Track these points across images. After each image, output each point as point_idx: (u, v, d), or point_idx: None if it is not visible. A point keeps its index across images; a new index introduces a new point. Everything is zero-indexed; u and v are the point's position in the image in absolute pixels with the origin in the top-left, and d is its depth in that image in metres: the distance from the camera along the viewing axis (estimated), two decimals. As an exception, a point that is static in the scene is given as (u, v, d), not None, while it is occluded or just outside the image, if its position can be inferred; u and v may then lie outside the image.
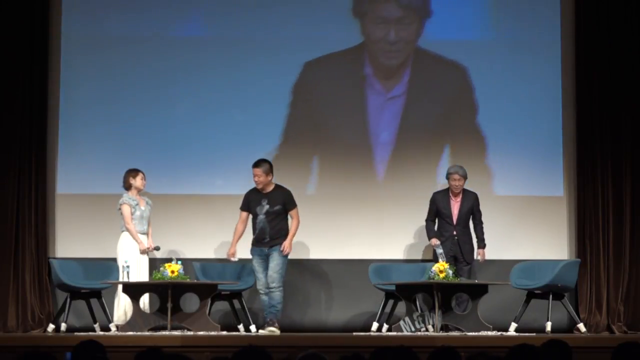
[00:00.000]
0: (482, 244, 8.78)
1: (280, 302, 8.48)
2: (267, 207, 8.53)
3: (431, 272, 8.06)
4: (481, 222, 8.81)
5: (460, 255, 8.65)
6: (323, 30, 9.57)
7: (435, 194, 8.84)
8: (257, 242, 8.54)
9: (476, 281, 8.45)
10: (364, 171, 9.51)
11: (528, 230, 9.50)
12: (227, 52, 9.56)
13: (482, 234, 8.79)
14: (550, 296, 8.52)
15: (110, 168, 9.16)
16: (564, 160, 9.58)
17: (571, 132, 9.56)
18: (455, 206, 8.73)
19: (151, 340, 7.17)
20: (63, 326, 8.55)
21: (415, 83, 9.58)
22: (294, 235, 8.58)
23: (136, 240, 8.61)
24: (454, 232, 8.67)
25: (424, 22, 9.66)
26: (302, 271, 9.47)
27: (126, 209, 8.64)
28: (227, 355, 4.09)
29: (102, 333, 8.25)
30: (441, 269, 7.98)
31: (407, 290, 8.20)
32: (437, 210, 8.75)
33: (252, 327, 8.65)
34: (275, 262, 8.49)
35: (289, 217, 8.62)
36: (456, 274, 8.14)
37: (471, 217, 8.79)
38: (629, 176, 9.39)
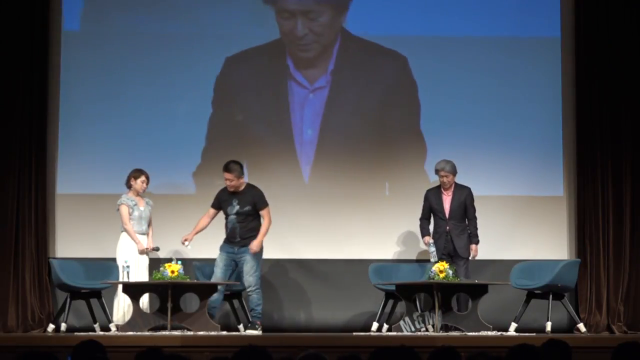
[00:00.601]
0: (475, 240, 8.69)
1: (260, 303, 8.47)
2: (237, 207, 8.53)
3: (431, 272, 8.06)
4: (474, 217, 8.71)
5: (454, 251, 8.57)
6: (243, 25, 9.57)
7: (428, 191, 8.81)
8: (227, 241, 8.55)
9: (476, 281, 8.44)
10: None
11: (528, 230, 9.50)
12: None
13: (476, 229, 8.71)
14: (550, 296, 8.52)
15: (110, 168, 9.17)
16: (564, 160, 9.58)
17: (571, 132, 9.56)
18: (446, 201, 8.67)
19: (151, 340, 7.17)
20: (63, 326, 8.55)
21: (341, 73, 9.56)
22: (264, 235, 8.54)
23: (134, 241, 8.61)
24: (447, 228, 8.61)
25: (342, 11, 9.61)
26: (302, 271, 9.47)
27: (124, 210, 8.63)
28: (227, 355, 4.09)
29: (102, 333, 8.25)
30: (441, 269, 7.98)
31: (407, 290, 8.20)
32: (430, 206, 8.72)
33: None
34: (249, 264, 8.45)
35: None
36: (456, 273, 8.13)
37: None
38: (629, 176, 9.39)
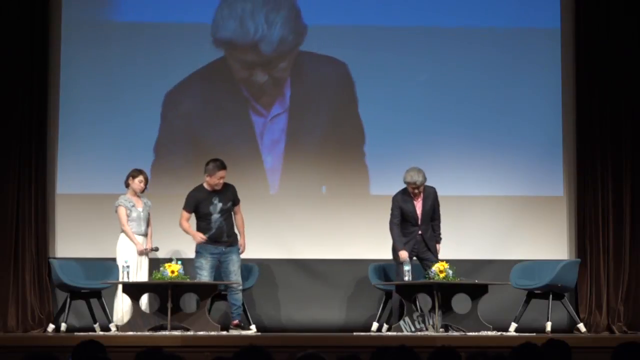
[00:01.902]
0: (439, 239, 8.53)
1: (242, 300, 8.52)
2: (220, 205, 8.48)
3: (431, 272, 8.06)
4: (439, 217, 8.55)
5: (426, 253, 8.41)
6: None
7: (397, 195, 8.49)
8: (215, 242, 8.45)
9: (476, 281, 8.44)
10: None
11: (528, 230, 9.50)
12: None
13: (439, 229, 8.56)
14: (550, 296, 8.53)
15: (110, 168, 9.17)
16: (564, 160, 9.59)
17: (571, 132, 9.57)
18: (418, 206, 8.45)
19: (151, 340, 7.17)
20: (63, 326, 8.56)
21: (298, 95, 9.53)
22: (244, 232, 8.59)
23: (133, 242, 8.60)
24: (419, 231, 8.46)
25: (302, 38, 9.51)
26: (302, 271, 9.47)
27: (121, 211, 8.63)
28: (227, 355, 4.08)
29: (102, 333, 8.25)
30: (441, 269, 7.98)
31: (407, 290, 8.19)
32: (401, 211, 8.44)
33: (253, 327, 8.64)
34: (237, 264, 8.46)
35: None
36: (428, 274, 8.11)
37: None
38: (629, 176, 9.39)
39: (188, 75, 9.49)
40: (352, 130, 9.55)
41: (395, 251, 8.42)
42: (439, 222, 8.58)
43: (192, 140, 9.40)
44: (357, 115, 9.57)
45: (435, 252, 8.45)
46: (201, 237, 8.39)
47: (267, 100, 9.52)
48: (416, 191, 8.39)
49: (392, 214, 8.45)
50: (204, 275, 8.39)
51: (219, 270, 8.54)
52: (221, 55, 9.54)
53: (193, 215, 8.54)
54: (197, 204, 8.47)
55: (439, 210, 8.57)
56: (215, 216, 8.45)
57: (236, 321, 8.45)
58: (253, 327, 8.65)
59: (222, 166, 8.47)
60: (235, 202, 8.58)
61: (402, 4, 9.65)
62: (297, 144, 9.52)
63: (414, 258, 8.35)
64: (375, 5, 9.63)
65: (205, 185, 8.52)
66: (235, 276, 8.45)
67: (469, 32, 9.62)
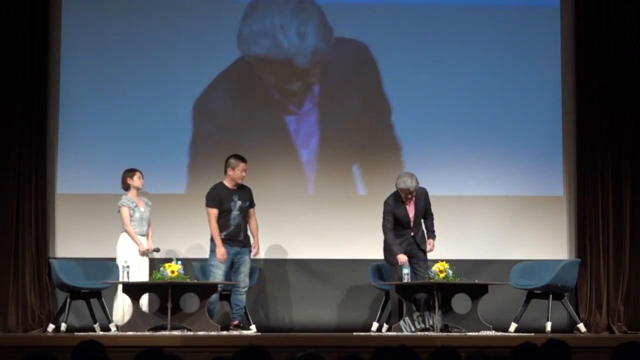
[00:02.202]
0: (432, 235, 8.51)
1: (245, 302, 8.53)
2: (239, 203, 8.49)
3: (431, 272, 8.06)
4: (432, 215, 8.54)
5: (418, 252, 8.41)
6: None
7: (389, 199, 8.44)
8: (229, 240, 8.44)
9: (476, 281, 8.44)
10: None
11: (528, 230, 9.50)
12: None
13: (433, 225, 8.54)
14: (550, 296, 8.53)
15: (110, 168, 9.16)
16: (564, 160, 9.59)
17: (571, 132, 9.57)
18: (410, 210, 8.43)
19: (151, 340, 7.16)
20: (63, 326, 8.55)
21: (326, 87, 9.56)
22: (258, 235, 8.63)
23: (135, 242, 8.61)
24: (411, 233, 8.45)
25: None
26: (302, 271, 9.47)
27: (125, 212, 8.63)
28: (227, 355, 4.08)
29: (102, 333, 8.25)
30: (441, 269, 7.98)
31: (407, 290, 8.19)
32: (394, 217, 8.40)
33: (253, 327, 8.64)
34: (248, 265, 8.50)
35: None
36: (417, 271, 8.17)
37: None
38: (629, 176, 9.39)
39: (214, 79, 9.51)
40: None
41: (387, 252, 8.43)
42: (432, 219, 8.57)
43: (227, 147, 9.29)
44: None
45: (423, 247, 8.44)
46: (222, 254, 8.37)
47: (297, 100, 9.56)
48: (409, 196, 8.37)
49: (384, 219, 8.43)
50: (219, 275, 8.39)
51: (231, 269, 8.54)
52: (237, 57, 9.55)
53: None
54: (221, 200, 8.46)
55: (430, 210, 8.56)
56: (235, 213, 8.46)
57: (236, 322, 8.45)
58: (253, 327, 8.65)
59: (244, 159, 8.52)
60: (252, 204, 8.60)
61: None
62: (330, 134, 9.56)
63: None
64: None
65: (225, 182, 8.53)
66: (244, 277, 8.46)
67: (473, 36, 9.61)
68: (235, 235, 8.46)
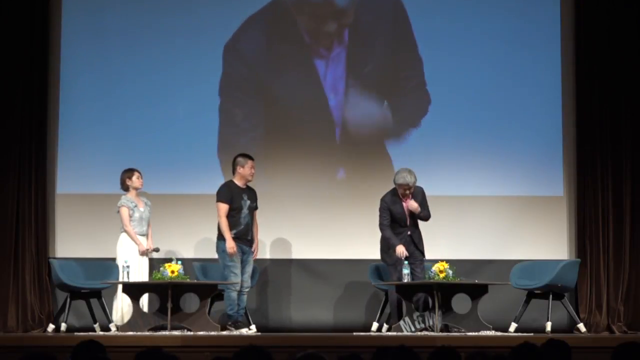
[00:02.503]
0: (424, 213, 8.42)
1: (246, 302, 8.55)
2: (248, 202, 8.50)
3: (431, 272, 8.06)
4: (429, 213, 8.46)
5: (415, 252, 8.37)
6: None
7: (386, 197, 8.42)
8: (239, 239, 8.43)
9: (476, 281, 8.44)
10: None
11: (528, 230, 9.50)
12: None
13: (426, 217, 8.47)
14: (550, 296, 8.53)
15: (110, 168, 9.15)
16: (564, 160, 9.59)
17: (571, 132, 9.57)
18: (406, 208, 8.41)
19: (151, 340, 7.17)
20: (63, 326, 8.56)
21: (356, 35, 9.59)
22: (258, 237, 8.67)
23: (135, 242, 8.61)
24: (408, 232, 8.43)
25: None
26: (302, 271, 9.47)
27: (124, 212, 8.63)
28: (227, 355, 4.08)
29: (102, 333, 8.25)
30: (441, 269, 7.98)
31: (407, 290, 8.19)
32: (390, 213, 8.38)
33: (253, 327, 8.64)
34: (251, 266, 8.51)
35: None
36: (414, 271, 8.18)
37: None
38: (629, 176, 9.39)
39: (245, 19, 9.55)
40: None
41: (385, 252, 8.42)
42: (427, 211, 8.46)
43: (256, 91, 9.49)
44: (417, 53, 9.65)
45: (420, 247, 8.41)
46: (232, 247, 8.33)
47: (327, 42, 9.59)
48: (407, 192, 8.34)
49: (381, 216, 8.40)
50: (239, 274, 8.37)
51: None
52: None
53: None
54: (232, 198, 8.45)
55: (427, 209, 8.48)
56: (245, 211, 8.47)
57: (239, 321, 8.42)
58: (253, 327, 8.64)
59: (250, 157, 8.54)
60: (256, 206, 8.62)
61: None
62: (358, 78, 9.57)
63: (405, 262, 8.30)
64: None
65: (235, 180, 8.53)
66: (247, 278, 8.47)
67: (473, 36, 9.60)
68: (245, 234, 8.46)
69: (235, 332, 8.23)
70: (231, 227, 8.39)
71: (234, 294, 8.34)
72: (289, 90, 9.51)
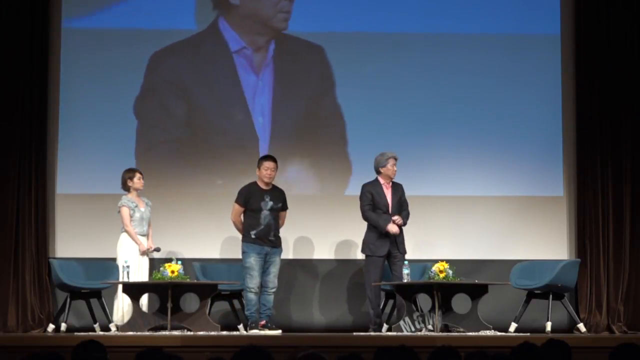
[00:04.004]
0: (403, 215, 8.50)
1: (272, 302, 8.54)
2: (271, 203, 8.50)
3: (431, 272, 8.06)
4: (407, 210, 8.57)
5: (394, 247, 8.44)
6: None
7: (365, 185, 8.55)
8: (259, 240, 8.45)
9: (476, 281, 8.44)
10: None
11: (528, 230, 9.51)
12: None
13: (407, 218, 8.54)
14: (550, 296, 8.53)
15: (110, 168, 9.15)
16: (564, 160, 9.59)
17: (571, 132, 9.57)
18: (388, 194, 8.51)
19: (151, 340, 7.16)
20: (63, 326, 8.56)
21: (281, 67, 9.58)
22: None
23: (135, 242, 8.61)
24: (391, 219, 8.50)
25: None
26: (302, 271, 9.48)
27: (125, 212, 8.63)
28: (227, 356, 4.08)
29: (102, 333, 8.25)
30: (441, 269, 7.99)
31: (407, 290, 8.19)
32: (373, 198, 8.48)
33: (278, 332, 8.58)
34: (277, 266, 8.51)
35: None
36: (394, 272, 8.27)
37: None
38: (629, 176, 9.40)
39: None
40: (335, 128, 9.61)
41: (367, 244, 8.46)
42: (407, 212, 8.57)
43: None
44: (341, 116, 9.62)
45: (400, 247, 8.44)
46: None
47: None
48: (395, 168, 8.46)
49: (362, 201, 8.49)
50: (255, 276, 8.37)
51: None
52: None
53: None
54: (248, 198, 8.47)
55: (406, 206, 8.59)
56: (265, 212, 8.46)
57: (263, 322, 8.41)
58: (279, 331, 8.57)
59: (268, 157, 8.57)
60: (284, 206, 8.62)
61: (405, 11, 9.64)
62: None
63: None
64: (377, 12, 9.62)
65: (258, 182, 8.55)
66: (273, 278, 8.47)
67: (473, 38, 9.60)
68: (266, 235, 8.45)
69: (261, 332, 8.23)
70: (251, 227, 8.44)
71: (251, 295, 8.36)
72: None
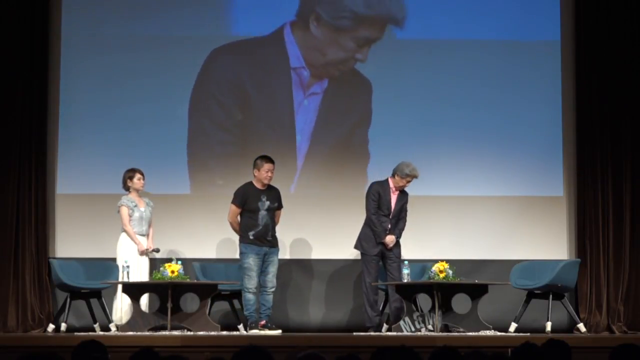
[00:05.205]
0: (397, 233, 8.55)
1: (272, 302, 8.53)
2: (267, 203, 8.51)
3: (431, 272, 8.07)
4: (405, 220, 8.63)
5: (391, 253, 8.49)
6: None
7: (375, 184, 8.62)
8: (257, 240, 8.46)
9: (476, 281, 8.44)
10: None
11: (528, 230, 9.51)
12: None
13: (402, 230, 8.60)
14: (550, 296, 8.53)
15: (110, 168, 9.16)
16: (564, 160, 9.59)
17: (571, 132, 9.57)
18: (394, 199, 8.57)
19: (151, 340, 7.17)
20: (63, 326, 8.56)
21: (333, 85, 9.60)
22: None
23: (134, 242, 8.60)
24: (389, 225, 8.54)
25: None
26: (302, 271, 9.47)
27: (124, 211, 8.63)
28: (227, 356, 4.08)
29: (102, 333, 8.25)
30: (441, 269, 7.99)
31: (407, 290, 8.19)
32: (379, 199, 8.54)
33: (278, 331, 8.57)
34: (275, 266, 8.51)
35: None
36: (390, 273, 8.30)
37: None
38: (629, 176, 9.40)
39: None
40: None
41: (360, 241, 8.54)
42: (404, 223, 8.63)
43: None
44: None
45: (395, 251, 8.50)
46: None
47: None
48: (407, 185, 8.53)
49: (369, 202, 8.55)
50: (254, 276, 8.37)
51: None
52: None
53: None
54: (245, 199, 8.48)
55: (406, 215, 8.64)
56: (263, 212, 8.47)
57: (263, 322, 8.40)
58: (279, 331, 8.57)
59: (269, 159, 8.54)
60: (280, 205, 8.62)
61: (408, 17, 9.64)
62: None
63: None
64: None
65: (254, 182, 8.55)
66: (272, 278, 8.47)
67: (474, 43, 9.61)
68: (264, 235, 8.46)
69: (261, 332, 8.22)
70: (249, 228, 8.44)
71: (250, 295, 8.37)
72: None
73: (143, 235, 8.70)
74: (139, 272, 8.56)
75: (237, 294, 8.78)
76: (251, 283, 8.36)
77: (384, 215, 8.52)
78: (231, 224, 8.59)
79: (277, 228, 8.67)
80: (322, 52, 9.57)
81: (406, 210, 8.66)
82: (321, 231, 9.46)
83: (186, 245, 9.33)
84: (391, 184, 8.59)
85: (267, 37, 9.58)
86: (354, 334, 8.41)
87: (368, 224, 8.56)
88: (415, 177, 8.52)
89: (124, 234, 8.65)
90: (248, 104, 9.53)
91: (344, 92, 9.58)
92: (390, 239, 8.47)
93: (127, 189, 8.74)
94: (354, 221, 8.92)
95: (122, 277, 8.25)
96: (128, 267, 8.22)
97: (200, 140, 9.51)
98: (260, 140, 9.43)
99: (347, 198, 9.41)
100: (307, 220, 9.46)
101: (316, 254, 9.48)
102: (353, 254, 9.32)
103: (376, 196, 8.54)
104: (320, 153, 9.53)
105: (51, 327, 8.76)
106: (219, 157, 9.48)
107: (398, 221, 8.59)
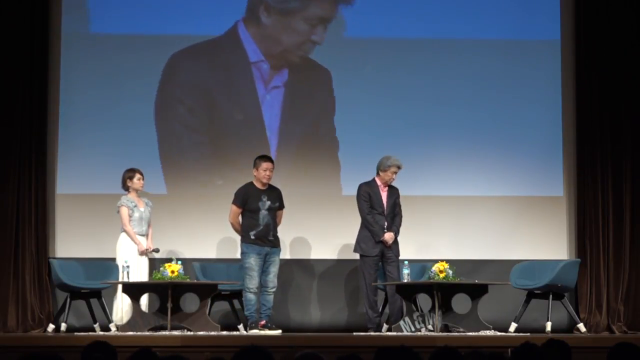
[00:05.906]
0: (394, 229, 8.56)
1: (272, 302, 8.53)
2: (268, 203, 8.51)
3: (431, 272, 8.07)
4: (401, 214, 8.64)
5: (388, 251, 8.49)
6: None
7: (363, 185, 8.61)
8: (258, 240, 8.46)
9: (476, 281, 8.44)
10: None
11: (528, 230, 9.51)
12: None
13: (399, 226, 8.61)
14: (550, 296, 8.53)
15: (110, 168, 9.15)
16: (564, 160, 9.59)
17: (571, 132, 9.57)
18: (384, 196, 8.58)
19: (151, 340, 7.16)
20: (63, 326, 8.56)
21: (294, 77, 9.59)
22: None
23: (134, 242, 8.61)
24: (385, 223, 8.55)
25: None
26: (302, 271, 9.47)
27: (124, 211, 8.63)
28: (227, 356, 4.08)
29: (102, 333, 8.25)
30: (441, 269, 7.99)
31: (407, 290, 8.20)
32: (370, 198, 8.55)
33: (278, 331, 8.57)
34: (277, 266, 8.51)
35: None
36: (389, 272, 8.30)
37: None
38: (629, 176, 9.40)
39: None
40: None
41: (359, 243, 8.53)
42: (400, 219, 8.63)
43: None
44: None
45: (395, 250, 8.50)
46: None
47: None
48: (394, 177, 8.52)
49: (360, 203, 8.56)
50: (255, 276, 8.37)
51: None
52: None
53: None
54: (246, 199, 8.48)
55: (400, 211, 8.64)
56: (263, 212, 8.47)
57: (263, 322, 8.40)
58: (279, 331, 8.57)
59: (266, 158, 8.55)
60: (281, 205, 8.62)
61: (406, 16, 9.64)
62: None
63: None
64: (377, 17, 9.62)
65: (254, 182, 8.55)
66: (273, 278, 8.47)
67: (474, 43, 9.61)
68: (265, 235, 8.46)
69: (261, 332, 8.22)
70: (250, 228, 8.44)
71: (250, 295, 8.37)
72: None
73: (143, 235, 8.70)
74: (139, 272, 8.57)
75: (237, 294, 8.78)
76: (252, 283, 8.36)
77: (379, 214, 8.52)
78: (232, 224, 8.60)
79: (279, 228, 8.68)
80: (277, 41, 9.54)
81: (400, 206, 8.65)
82: (321, 231, 9.46)
83: (186, 245, 9.33)
84: (378, 182, 8.60)
85: (222, 37, 9.56)
86: (354, 334, 8.41)
87: (364, 225, 8.56)
88: (398, 166, 8.53)
89: (123, 234, 8.65)
90: (216, 106, 9.48)
91: (304, 83, 9.56)
92: (389, 236, 8.47)
93: (126, 189, 8.74)
94: (337, 211, 8.98)
95: (122, 277, 8.25)
96: (128, 267, 8.22)
97: (173, 142, 9.49)
98: (232, 141, 9.45)
99: (324, 188, 9.43)
100: (309, 220, 9.45)
101: (316, 254, 9.47)
102: (352, 254, 9.32)
103: (366, 196, 8.55)
104: (290, 146, 9.51)
105: (51, 327, 8.76)
106: (194, 158, 9.45)
107: (394, 217, 8.59)
